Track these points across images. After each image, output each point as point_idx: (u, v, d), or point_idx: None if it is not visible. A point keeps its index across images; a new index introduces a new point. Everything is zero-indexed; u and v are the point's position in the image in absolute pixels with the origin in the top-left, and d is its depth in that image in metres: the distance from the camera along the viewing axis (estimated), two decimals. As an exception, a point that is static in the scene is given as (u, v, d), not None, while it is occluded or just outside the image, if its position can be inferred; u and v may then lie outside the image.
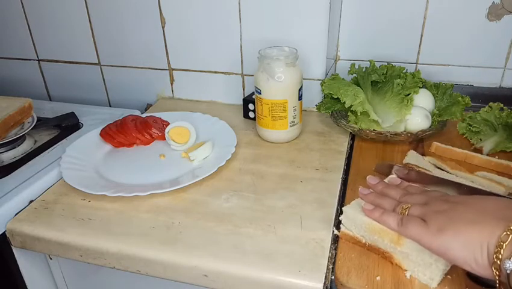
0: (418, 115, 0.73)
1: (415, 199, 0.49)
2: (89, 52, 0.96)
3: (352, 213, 0.51)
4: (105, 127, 0.77)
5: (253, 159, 0.72)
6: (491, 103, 0.74)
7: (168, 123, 0.77)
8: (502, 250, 0.37)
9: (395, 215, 0.48)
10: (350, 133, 0.77)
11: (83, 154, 0.72)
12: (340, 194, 0.63)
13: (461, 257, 0.40)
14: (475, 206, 0.43)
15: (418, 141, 0.74)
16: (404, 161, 0.67)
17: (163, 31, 0.88)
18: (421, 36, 0.85)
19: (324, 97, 0.81)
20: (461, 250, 0.40)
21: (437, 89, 0.79)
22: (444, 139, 0.73)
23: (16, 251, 0.62)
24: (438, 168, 0.65)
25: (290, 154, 0.73)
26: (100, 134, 0.76)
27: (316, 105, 0.82)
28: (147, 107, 0.98)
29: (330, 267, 0.50)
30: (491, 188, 0.58)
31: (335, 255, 0.51)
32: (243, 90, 0.91)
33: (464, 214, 0.42)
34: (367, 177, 0.57)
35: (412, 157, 0.67)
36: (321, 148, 0.74)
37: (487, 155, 0.68)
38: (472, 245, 0.39)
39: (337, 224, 0.55)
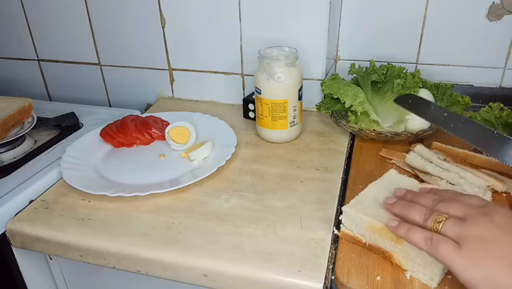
0: (418, 115, 0.73)
1: (450, 209, 0.43)
2: (89, 52, 0.96)
3: (352, 213, 0.51)
4: (105, 127, 0.77)
5: (253, 159, 0.72)
6: (491, 103, 0.74)
7: (168, 123, 0.77)
8: None
9: (422, 233, 0.42)
10: (350, 133, 0.77)
11: (83, 154, 0.72)
12: (340, 194, 0.63)
13: None
14: None
15: (418, 141, 0.74)
16: (406, 159, 0.66)
17: (163, 31, 0.88)
18: (421, 36, 0.85)
19: (324, 97, 0.81)
20: None
21: (437, 89, 0.79)
22: (444, 139, 0.72)
23: (16, 251, 0.62)
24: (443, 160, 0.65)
25: (290, 154, 0.73)
26: (100, 134, 0.76)
27: (316, 105, 0.82)
28: (147, 107, 0.98)
29: (330, 267, 0.50)
30: (492, 185, 0.59)
31: (335, 255, 0.51)
32: (243, 90, 0.91)
33: (506, 252, 0.38)
34: (394, 190, 0.52)
35: (420, 151, 0.67)
36: (321, 148, 0.74)
37: (487, 154, 0.68)
38: None
39: (337, 224, 0.55)
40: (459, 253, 0.39)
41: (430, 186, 0.55)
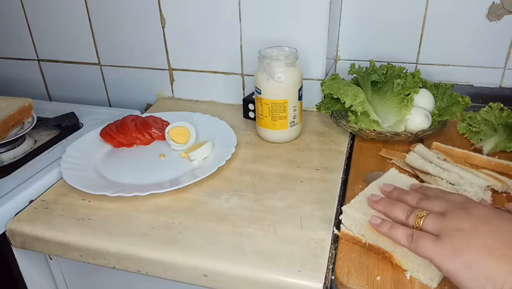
0: (418, 115, 0.73)
1: (432, 205, 0.45)
2: (89, 52, 0.96)
3: (352, 212, 0.51)
4: (105, 127, 0.77)
5: (253, 159, 0.72)
6: (491, 103, 0.74)
7: (168, 123, 0.77)
8: None
9: (404, 230, 0.44)
10: (350, 133, 0.77)
11: (83, 154, 0.72)
12: (340, 194, 0.63)
13: (468, 288, 0.38)
14: (499, 231, 0.39)
15: (418, 141, 0.74)
16: (406, 159, 0.66)
17: (163, 31, 0.88)
18: (421, 36, 0.85)
19: (324, 97, 0.81)
20: (470, 281, 0.38)
21: (437, 89, 0.79)
22: (444, 139, 0.73)
23: (16, 251, 0.62)
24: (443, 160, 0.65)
25: (290, 154, 0.73)
26: (100, 134, 0.76)
27: (316, 105, 0.82)
28: (147, 107, 0.98)
29: (330, 267, 0.50)
30: (491, 185, 0.59)
31: (335, 255, 0.51)
32: (243, 90, 0.91)
33: (484, 240, 0.39)
34: (382, 185, 0.53)
35: (420, 150, 0.67)
36: (321, 148, 0.74)
37: (487, 154, 0.68)
38: (483, 280, 0.37)
39: (337, 224, 0.55)
40: (438, 245, 0.40)
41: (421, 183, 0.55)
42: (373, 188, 0.55)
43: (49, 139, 0.79)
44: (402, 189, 0.52)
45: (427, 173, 0.62)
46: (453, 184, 0.59)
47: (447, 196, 0.47)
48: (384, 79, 0.77)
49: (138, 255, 0.53)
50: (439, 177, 0.60)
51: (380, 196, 0.52)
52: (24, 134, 0.76)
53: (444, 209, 0.43)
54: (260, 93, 0.72)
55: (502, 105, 0.73)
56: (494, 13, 0.80)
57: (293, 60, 0.71)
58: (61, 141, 0.79)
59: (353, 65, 0.80)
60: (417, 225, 0.44)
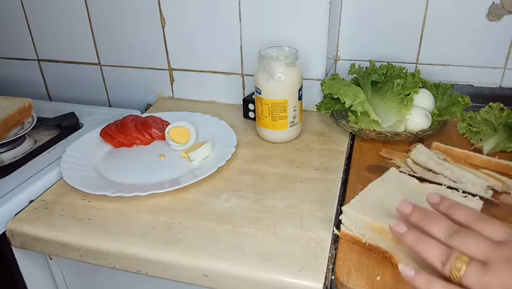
0: (418, 115, 0.73)
1: (469, 246, 0.38)
2: (89, 52, 0.96)
3: (352, 213, 0.51)
4: (105, 127, 0.77)
5: (253, 159, 0.72)
6: (491, 103, 0.74)
7: (168, 123, 0.77)
8: None
9: (442, 284, 0.38)
10: (350, 133, 0.77)
11: (83, 154, 0.72)
12: (340, 194, 0.63)
13: None
14: None
15: (418, 141, 0.74)
16: (411, 155, 0.66)
17: (163, 31, 0.88)
18: (421, 36, 0.85)
19: (324, 97, 0.81)
20: None
21: (437, 89, 0.79)
22: (444, 139, 0.73)
23: (16, 251, 0.62)
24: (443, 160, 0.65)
25: (290, 154, 0.73)
26: (100, 134, 0.76)
27: (316, 105, 0.82)
28: (147, 107, 0.98)
29: (330, 267, 0.50)
30: (491, 184, 0.59)
31: (335, 255, 0.51)
32: (243, 90, 0.91)
33: None
34: (399, 205, 0.44)
35: (421, 150, 0.67)
36: (321, 148, 0.74)
37: (487, 154, 0.68)
38: None
39: (337, 224, 0.55)
40: None
41: (436, 192, 0.47)
42: (373, 188, 0.55)
43: (49, 139, 0.79)
44: (423, 211, 0.43)
45: (429, 170, 0.62)
46: (455, 182, 0.59)
47: (482, 227, 0.40)
48: (384, 79, 0.77)
49: (138, 255, 0.53)
50: (441, 174, 0.60)
51: (405, 227, 0.43)
52: (24, 134, 0.76)
53: (484, 257, 0.38)
54: (260, 93, 0.72)
55: (502, 105, 0.73)
56: (494, 13, 0.80)
57: (293, 60, 0.71)
58: (61, 141, 0.79)
59: (353, 65, 0.80)
60: (456, 278, 0.38)
